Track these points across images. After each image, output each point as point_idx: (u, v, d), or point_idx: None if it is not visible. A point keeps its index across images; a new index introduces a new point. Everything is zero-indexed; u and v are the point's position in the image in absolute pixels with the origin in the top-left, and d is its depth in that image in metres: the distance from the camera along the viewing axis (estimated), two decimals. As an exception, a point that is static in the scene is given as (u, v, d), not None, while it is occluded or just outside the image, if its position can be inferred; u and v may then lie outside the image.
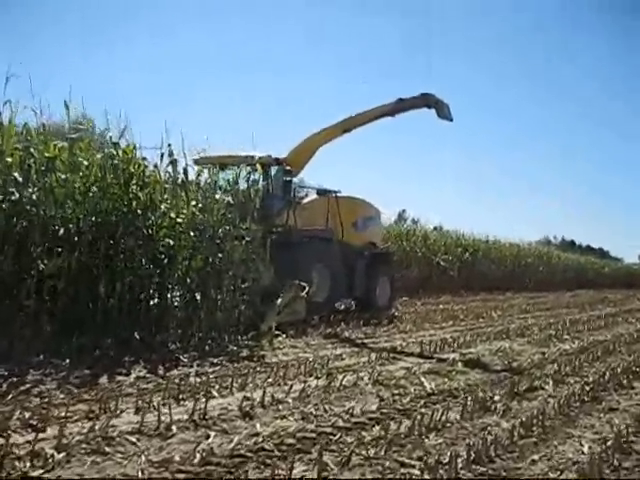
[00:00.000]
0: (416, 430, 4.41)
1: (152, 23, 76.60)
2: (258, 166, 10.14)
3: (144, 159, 7.81)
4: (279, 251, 11.05)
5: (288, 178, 11.52)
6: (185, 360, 6.92)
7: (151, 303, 7.75)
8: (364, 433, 4.40)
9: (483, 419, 4.93)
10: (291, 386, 5.68)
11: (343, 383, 5.95)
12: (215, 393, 5.34)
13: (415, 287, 21.07)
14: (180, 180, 8.27)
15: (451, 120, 11.81)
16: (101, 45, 67.28)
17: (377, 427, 4.54)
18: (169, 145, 8.25)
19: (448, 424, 4.69)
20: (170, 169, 8.22)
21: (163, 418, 4.36)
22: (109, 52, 67.70)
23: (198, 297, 8.29)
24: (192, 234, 8.22)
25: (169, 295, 8.00)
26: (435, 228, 30.08)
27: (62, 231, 6.70)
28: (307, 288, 9.96)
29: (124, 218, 7.38)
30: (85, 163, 7.14)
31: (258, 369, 6.63)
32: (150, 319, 7.68)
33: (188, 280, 8.10)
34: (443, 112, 11.58)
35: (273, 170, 11.82)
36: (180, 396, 5.13)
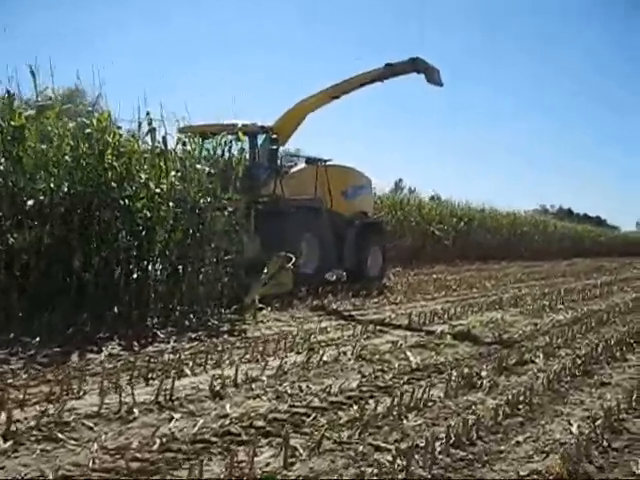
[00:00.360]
0: (395, 410, 4.17)
1: (143, 6, 74.75)
2: (242, 135, 9.73)
3: (119, 128, 7.47)
4: (266, 222, 10.76)
5: (274, 147, 11.18)
6: (162, 336, 6.67)
7: (130, 277, 7.45)
8: (340, 413, 4.16)
9: (468, 396, 4.69)
10: (268, 363, 5.44)
11: (324, 359, 5.71)
12: (187, 371, 5.09)
13: (409, 257, 20.81)
14: (159, 149, 7.91)
15: (441, 85, 11.44)
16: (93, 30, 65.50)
17: (355, 407, 4.30)
18: (147, 113, 7.92)
19: (430, 403, 4.45)
20: (149, 138, 7.87)
21: (128, 399, 4.11)
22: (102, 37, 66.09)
23: (179, 270, 8.00)
24: (172, 205, 7.90)
25: (149, 268, 7.70)
26: (432, 198, 29.73)
27: (32, 203, 6.36)
28: (294, 259, 9.69)
29: (99, 189, 7.07)
30: (56, 132, 6.79)
31: (237, 344, 6.40)
32: (129, 293, 7.41)
33: (167, 253, 7.80)
34: (433, 77, 11.21)
35: (260, 139, 11.49)
36: (150, 375, 4.88)
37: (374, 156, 71.89)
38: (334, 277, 13.46)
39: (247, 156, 11.42)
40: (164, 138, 8.01)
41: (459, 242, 24.77)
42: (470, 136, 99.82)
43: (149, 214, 7.53)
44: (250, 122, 11.10)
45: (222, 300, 8.49)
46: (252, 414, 4.01)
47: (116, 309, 7.26)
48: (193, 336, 6.77)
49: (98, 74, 7.47)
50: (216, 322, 7.62)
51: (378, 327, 7.77)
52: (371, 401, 4.47)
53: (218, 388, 4.55)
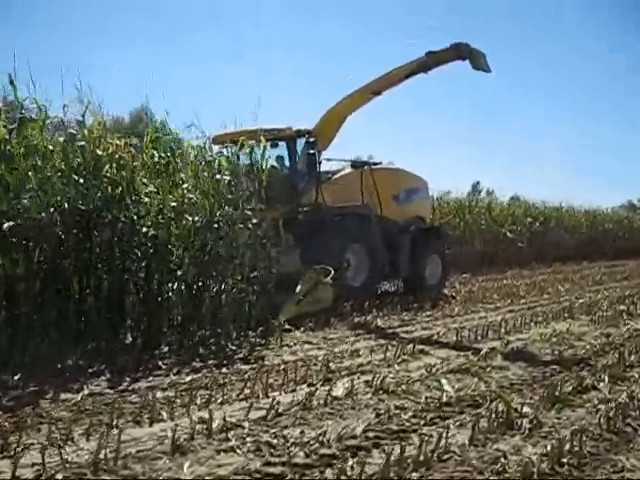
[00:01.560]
0: (395, 468, 3.23)
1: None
2: (263, 139, 8.93)
3: (120, 138, 6.80)
4: (307, 233, 9.98)
5: (312, 151, 10.34)
6: (164, 367, 5.90)
7: (138, 302, 6.76)
8: (327, 473, 3.26)
9: (499, 444, 3.69)
10: (268, 399, 4.57)
11: (337, 392, 4.80)
12: (164, 414, 4.28)
13: (479, 262, 19.57)
14: (165, 160, 7.22)
15: (489, 71, 10.34)
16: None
17: (350, 462, 3.38)
18: (152, 120, 7.25)
19: (446, 455, 3.48)
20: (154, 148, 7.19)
21: (54, 461, 3.34)
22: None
23: (197, 291, 7.26)
24: (185, 219, 7.19)
25: (161, 291, 6.99)
26: (512, 199, 28.25)
27: (10, 225, 5.71)
28: (332, 272, 8.80)
29: (95, 206, 6.41)
30: (42, 145, 6.15)
31: (246, 375, 5.54)
32: (135, 320, 6.72)
33: (179, 272, 7.06)
34: (479, 63, 10.12)
35: (299, 145, 10.69)
36: (115, 422, 4.09)
37: (451, 160, 69.88)
38: (391, 288, 12.52)
39: (287, 163, 10.70)
40: (171, 147, 7.30)
41: (535, 244, 23.20)
42: (552, 135, 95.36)
43: (153, 231, 6.80)
44: (285, 126, 10.32)
45: (250, 322, 7.68)
46: (210, 477, 3.16)
47: (122, 337, 6.56)
48: (200, 366, 5.98)
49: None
50: (234, 348, 6.81)
51: (420, 347, 6.78)
52: (374, 453, 3.54)
53: (183, 439, 3.71)
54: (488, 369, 5.75)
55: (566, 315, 9.35)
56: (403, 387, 5.03)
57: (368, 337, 7.57)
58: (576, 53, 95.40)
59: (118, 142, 6.69)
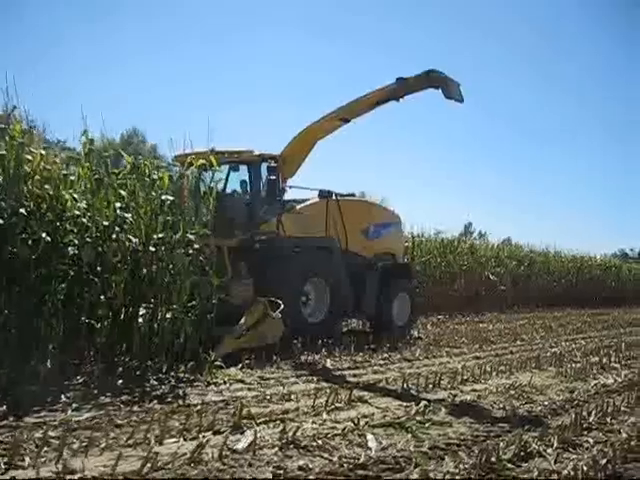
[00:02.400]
0: None
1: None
2: (214, 160, 8.37)
3: (46, 148, 6.25)
4: (264, 262, 9.41)
5: (273, 177, 9.81)
6: (67, 400, 5.27)
7: (52, 327, 6.14)
8: None
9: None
10: (161, 448, 3.93)
11: (238, 445, 4.16)
12: (27, 460, 3.65)
13: (459, 304, 18.98)
14: (99, 175, 6.66)
15: (461, 101, 9.86)
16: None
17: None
18: (84, 132, 6.70)
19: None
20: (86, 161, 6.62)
21: None
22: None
23: (122, 318, 6.65)
24: (117, 241, 6.61)
25: (80, 315, 6.38)
26: (504, 241, 27.77)
27: None
28: (282, 306, 8.21)
29: (11, 222, 5.82)
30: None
31: (152, 417, 4.90)
32: (54, 347, 6.10)
33: (102, 298, 6.45)
34: (452, 92, 9.65)
35: (263, 169, 10.15)
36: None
37: (444, 200, 69.40)
38: (361, 326, 11.94)
39: (248, 188, 10.16)
40: (106, 162, 6.75)
41: (519, 287, 22.66)
42: (545, 178, 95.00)
43: (77, 251, 6.21)
44: (246, 149, 9.80)
45: (184, 355, 7.05)
46: None
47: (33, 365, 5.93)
48: (107, 401, 5.34)
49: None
50: (156, 383, 6.18)
51: (361, 393, 6.16)
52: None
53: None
54: (427, 424, 5.12)
55: (533, 365, 8.74)
56: (319, 442, 4.39)
57: (309, 379, 6.93)
58: (571, 96, 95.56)
59: (43, 152, 6.13)
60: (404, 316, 11.90)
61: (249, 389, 6.23)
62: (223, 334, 7.61)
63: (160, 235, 7.04)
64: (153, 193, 7.10)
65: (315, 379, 6.93)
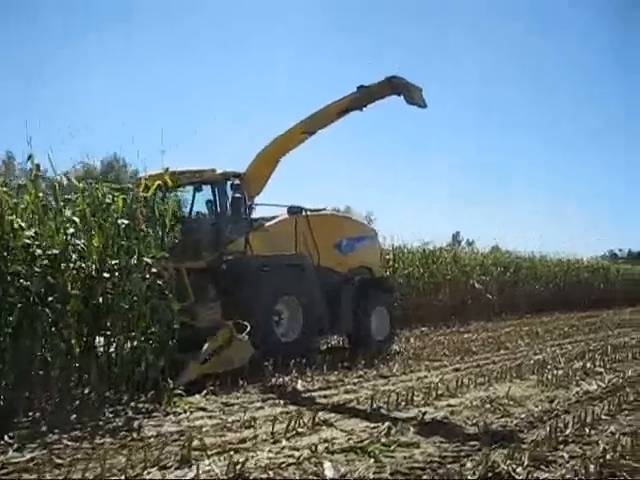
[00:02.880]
0: None
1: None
2: (170, 180, 8.11)
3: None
4: (232, 284, 9.12)
5: (238, 195, 9.53)
6: (10, 440, 4.95)
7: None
8: None
9: None
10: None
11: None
12: None
13: (444, 314, 18.69)
14: (46, 202, 6.38)
15: (424, 107, 9.66)
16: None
17: None
18: (30, 157, 6.43)
19: None
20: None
21: None
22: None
23: (76, 349, 6.33)
24: (68, 269, 6.31)
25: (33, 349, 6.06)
26: (493, 249, 27.60)
27: None
28: (248, 328, 7.91)
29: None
30: None
31: (97, 453, 4.59)
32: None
33: (54, 329, 6.15)
34: (414, 98, 9.44)
35: (228, 188, 9.87)
36: None
37: (433, 211, 68.77)
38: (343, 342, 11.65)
39: (214, 208, 9.88)
40: (53, 185, 6.47)
41: (506, 294, 22.40)
42: (536, 186, 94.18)
43: (25, 282, 5.91)
44: (209, 168, 9.53)
45: (146, 384, 6.74)
46: None
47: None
48: (53, 439, 5.03)
49: None
50: (112, 415, 5.86)
51: (328, 415, 5.87)
52: None
53: None
54: (393, 447, 4.84)
55: (514, 375, 8.48)
56: (271, 473, 4.10)
57: (276, 403, 6.63)
58: (566, 97, 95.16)
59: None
60: (383, 330, 11.60)
61: (210, 417, 5.93)
62: (187, 360, 7.29)
63: (115, 260, 6.74)
64: (108, 218, 6.80)
65: (282, 402, 6.63)
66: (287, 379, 7.86)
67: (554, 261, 26.88)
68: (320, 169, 70.92)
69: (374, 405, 6.35)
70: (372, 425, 5.53)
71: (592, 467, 4.23)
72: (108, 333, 6.64)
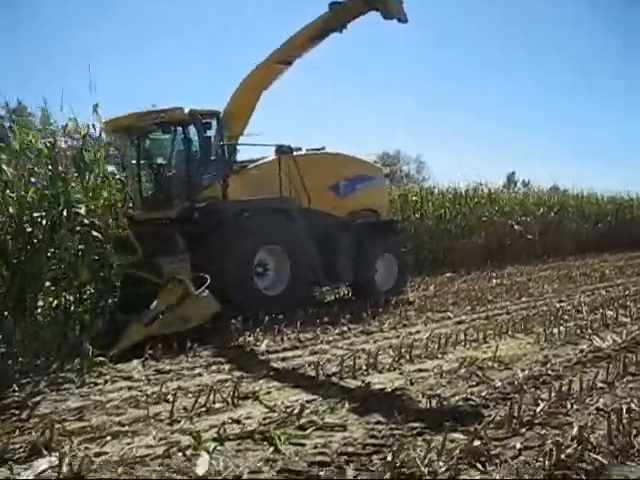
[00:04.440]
0: None
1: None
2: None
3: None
4: (207, 234, 8.28)
5: (208, 134, 8.57)
6: None
7: None
8: None
9: None
10: None
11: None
12: None
13: (479, 258, 17.50)
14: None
15: (405, 21, 8.42)
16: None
17: None
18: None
19: None
20: None
21: None
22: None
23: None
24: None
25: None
26: (551, 189, 26.00)
27: None
28: (208, 281, 7.07)
29: None
30: None
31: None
32: None
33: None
34: (391, 11, 8.23)
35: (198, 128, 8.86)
36: None
37: (485, 152, 65.98)
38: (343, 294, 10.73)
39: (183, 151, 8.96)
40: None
41: (550, 235, 20.94)
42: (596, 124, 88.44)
43: None
44: (174, 106, 8.55)
45: (81, 349, 5.99)
46: None
47: None
48: None
49: None
50: (17, 388, 5.12)
51: (257, 388, 5.00)
52: None
53: None
54: (309, 430, 3.93)
55: (520, 328, 7.45)
56: (120, 470, 3.25)
57: (221, 369, 5.78)
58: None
59: None
60: (390, 279, 10.62)
61: (129, 388, 5.13)
62: (130, 321, 6.48)
63: (38, 213, 5.93)
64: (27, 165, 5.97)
65: (227, 368, 5.78)
66: (251, 338, 6.98)
67: (605, 199, 25.06)
68: (366, 114, 69.10)
69: (320, 372, 5.41)
70: (304, 399, 4.62)
71: (545, 463, 3.24)
72: (30, 296, 5.85)
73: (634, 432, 3.62)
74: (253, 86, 9.21)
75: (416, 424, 4.01)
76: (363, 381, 5.03)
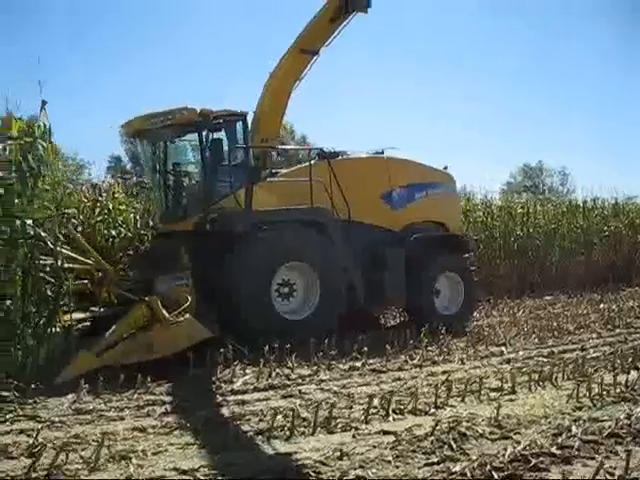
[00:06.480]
0: None
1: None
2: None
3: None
4: (220, 249, 7.47)
5: (226, 137, 7.70)
6: None
7: None
8: None
9: None
10: None
11: None
12: None
13: (597, 278, 15.44)
14: None
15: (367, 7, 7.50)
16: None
17: None
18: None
19: None
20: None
21: None
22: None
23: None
24: None
25: None
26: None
27: None
28: (189, 301, 6.18)
29: None
30: None
31: None
32: None
33: None
34: None
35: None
36: None
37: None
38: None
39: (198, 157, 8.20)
40: None
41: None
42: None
43: None
44: (182, 106, 7.71)
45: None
46: None
47: None
48: None
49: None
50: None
51: (162, 442, 3.99)
52: None
53: None
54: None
55: (575, 374, 5.92)
56: None
57: (154, 412, 4.81)
58: None
59: None
60: (454, 303, 9.20)
61: (20, 432, 4.30)
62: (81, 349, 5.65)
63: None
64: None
65: (163, 411, 4.82)
66: (227, 371, 5.95)
67: None
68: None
69: (251, 427, 4.31)
70: (190, 466, 3.57)
71: None
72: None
73: None
74: (279, 81, 8.31)
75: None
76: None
